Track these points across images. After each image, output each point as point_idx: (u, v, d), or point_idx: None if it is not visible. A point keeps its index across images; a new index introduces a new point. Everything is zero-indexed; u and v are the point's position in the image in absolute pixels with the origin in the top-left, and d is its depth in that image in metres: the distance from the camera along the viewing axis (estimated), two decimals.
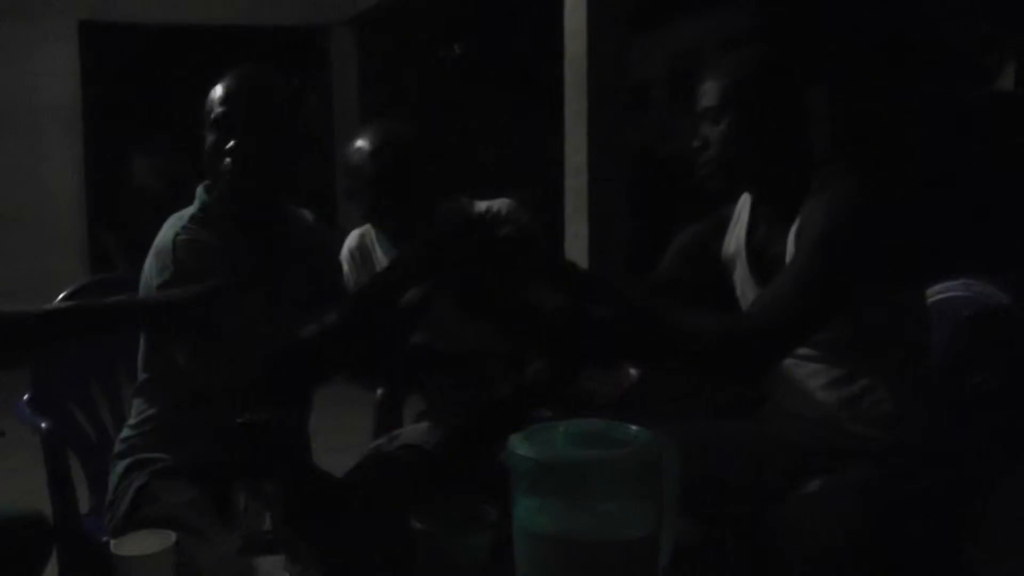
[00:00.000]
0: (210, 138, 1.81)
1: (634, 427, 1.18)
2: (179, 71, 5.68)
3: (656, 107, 6.79)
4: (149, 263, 1.82)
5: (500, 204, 2.19)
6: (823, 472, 1.69)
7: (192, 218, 1.87)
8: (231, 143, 1.78)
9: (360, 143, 2.06)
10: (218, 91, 1.82)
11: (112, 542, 1.20)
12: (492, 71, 4.18)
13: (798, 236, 1.66)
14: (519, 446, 1.12)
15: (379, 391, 2.30)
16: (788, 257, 1.68)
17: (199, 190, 1.92)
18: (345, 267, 2.21)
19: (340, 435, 2.55)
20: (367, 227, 2.25)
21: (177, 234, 1.83)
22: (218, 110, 1.79)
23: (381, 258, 2.20)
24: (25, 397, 2.11)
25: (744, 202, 1.89)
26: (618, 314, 1.56)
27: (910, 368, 1.73)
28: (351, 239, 2.26)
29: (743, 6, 5.60)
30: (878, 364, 1.71)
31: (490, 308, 1.54)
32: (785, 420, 1.83)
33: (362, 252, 2.23)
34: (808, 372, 1.78)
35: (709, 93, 1.74)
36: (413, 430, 2.16)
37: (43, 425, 1.98)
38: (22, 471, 2.96)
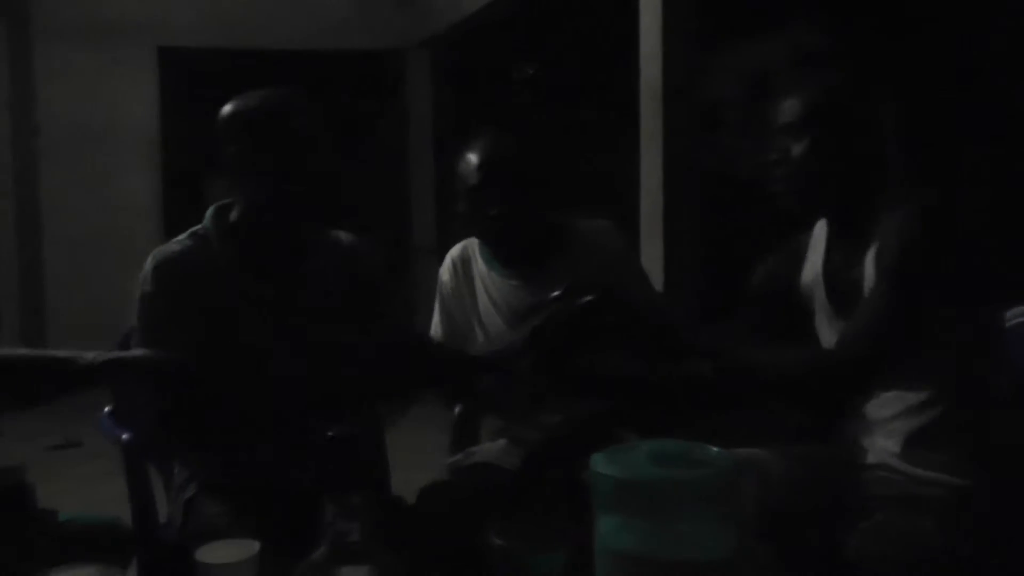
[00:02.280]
0: (233, 162, 1.84)
1: (715, 448, 1.18)
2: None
3: (727, 128, 6.73)
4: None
5: (599, 225, 2.19)
6: (898, 501, 1.65)
7: (192, 235, 1.91)
8: (257, 169, 1.81)
9: (471, 152, 2.10)
10: (235, 116, 1.83)
11: (196, 550, 1.22)
12: (566, 92, 4.19)
13: (877, 262, 1.63)
14: (602, 465, 1.13)
15: (456, 408, 2.32)
16: (867, 282, 1.65)
17: (209, 211, 1.95)
18: (446, 277, 2.23)
19: (416, 453, 2.56)
20: (469, 240, 2.27)
21: (162, 261, 1.87)
22: (236, 145, 1.82)
23: (482, 270, 2.21)
24: (106, 409, 2.16)
25: (821, 229, 1.87)
26: (715, 369, 1.57)
27: (987, 391, 1.69)
28: (454, 251, 2.29)
29: (814, 25, 5.53)
30: (954, 388, 1.68)
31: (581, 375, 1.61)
32: (860, 445, 1.79)
33: (464, 264, 2.25)
34: (883, 399, 1.74)
35: (791, 109, 1.72)
36: (490, 448, 2.16)
37: (124, 436, 2.02)
38: (96, 481, 3.04)
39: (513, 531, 1.21)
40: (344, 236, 2.08)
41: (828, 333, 1.79)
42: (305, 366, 1.86)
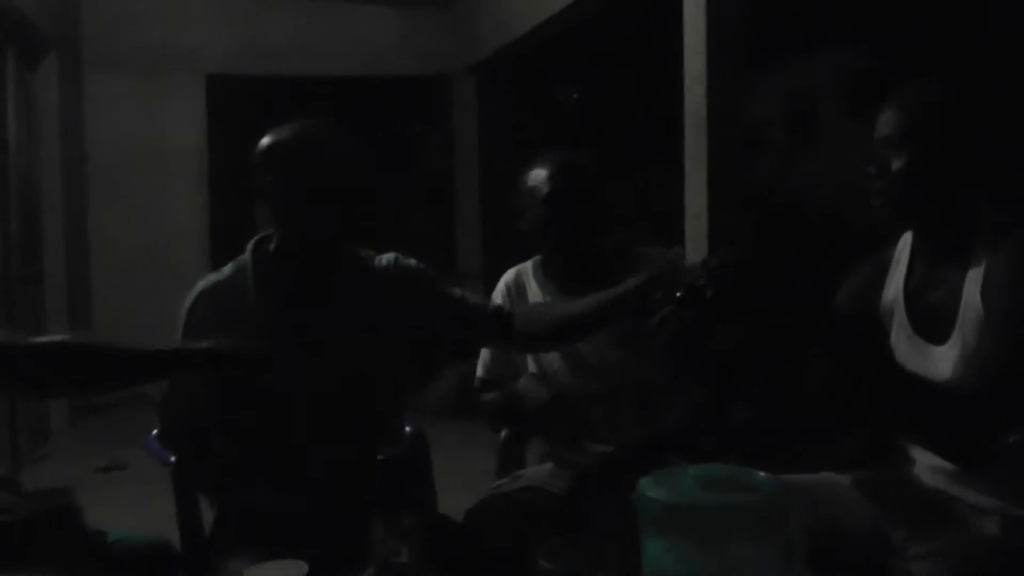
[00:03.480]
0: (267, 193, 1.86)
1: (762, 473, 1.17)
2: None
3: (772, 147, 6.70)
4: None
5: (658, 252, 2.18)
6: (952, 528, 1.61)
7: (233, 265, 1.93)
8: (289, 202, 1.83)
9: (541, 167, 2.12)
10: (267, 148, 1.85)
11: (245, 570, 1.23)
12: (611, 115, 4.19)
13: (986, 290, 1.57)
14: (649, 488, 1.12)
15: (503, 432, 2.31)
16: (967, 308, 1.59)
17: (250, 243, 1.96)
18: (499, 301, 2.21)
19: (461, 476, 2.56)
20: (523, 265, 2.29)
21: (200, 294, 1.89)
22: (269, 176, 1.84)
23: (536, 294, 2.21)
24: (154, 432, 2.18)
25: (904, 245, 1.81)
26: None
27: None
28: (508, 276, 2.30)
29: (860, 44, 5.49)
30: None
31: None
32: (914, 471, 1.75)
33: (518, 287, 2.25)
34: None
35: (890, 122, 1.67)
36: (536, 471, 2.15)
37: (171, 459, 2.03)
38: (142, 503, 3.06)
39: (561, 555, 1.20)
40: (383, 259, 2.08)
41: (907, 351, 1.73)
42: (341, 396, 1.88)
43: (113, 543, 1.79)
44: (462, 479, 2.45)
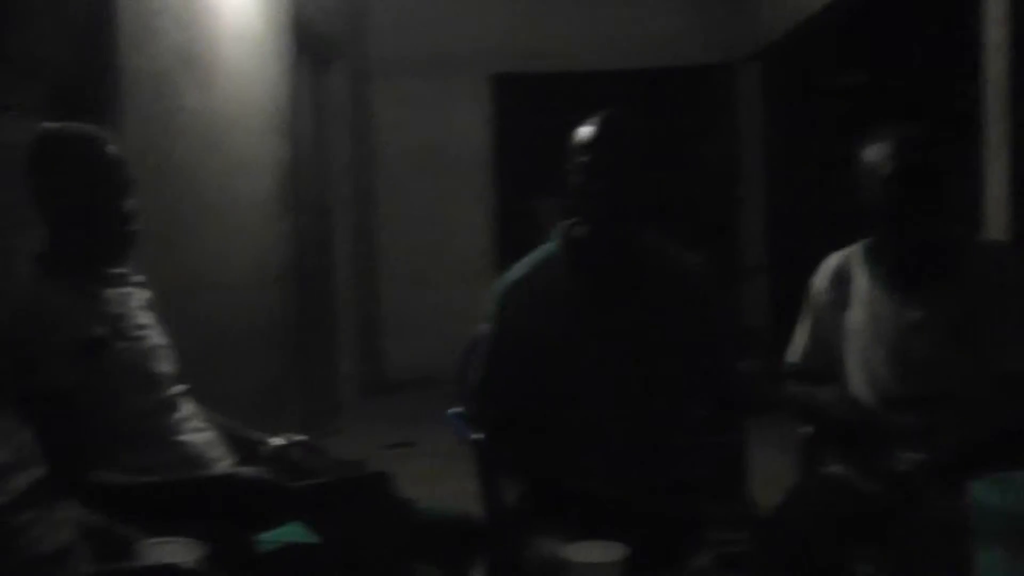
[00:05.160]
0: (576, 180, 1.90)
1: None
2: (586, 115, 5.88)
3: None
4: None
5: (1001, 247, 2.05)
6: None
7: (536, 255, 1.97)
8: (597, 186, 1.86)
9: (876, 146, 2.01)
10: (582, 136, 1.90)
11: (564, 547, 1.28)
12: (899, 98, 3.94)
13: None
14: (986, 494, 1.06)
15: (804, 428, 2.25)
16: None
17: (555, 232, 2.01)
18: (822, 287, 2.14)
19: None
20: (851, 248, 2.17)
21: (514, 283, 1.95)
22: (582, 156, 1.88)
23: (863, 283, 2.10)
24: (454, 410, 2.30)
25: None
26: None
27: None
28: (832, 260, 2.18)
29: None
30: None
31: None
32: None
33: (840, 276, 2.14)
34: None
35: None
36: (841, 471, 2.06)
37: (473, 437, 2.11)
38: (430, 479, 3.21)
39: (881, 561, 1.16)
40: (680, 252, 2.10)
41: None
42: (653, 381, 1.91)
43: (421, 512, 1.92)
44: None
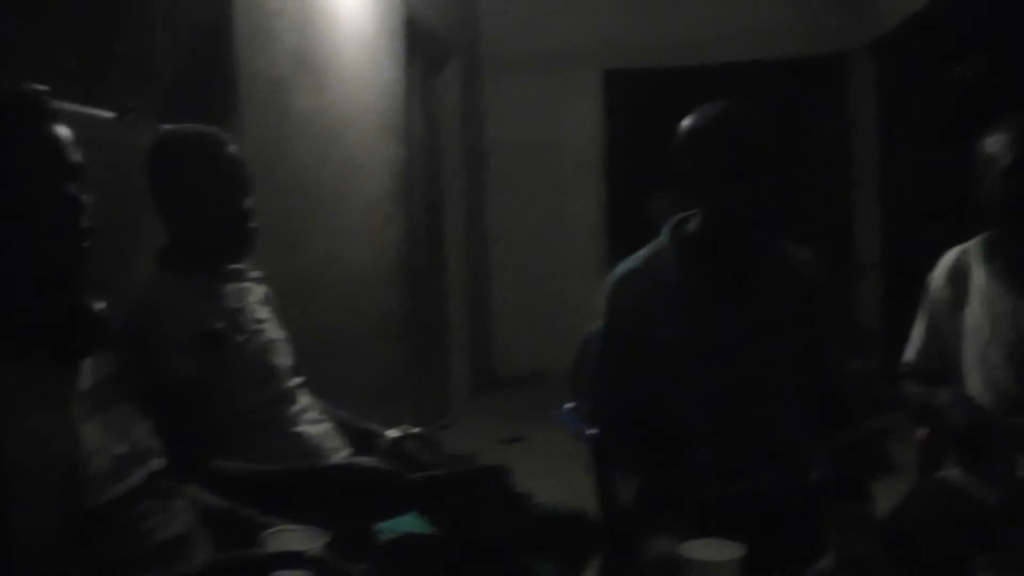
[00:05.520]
0: (691, 176, 1.86)
1: None
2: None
3: None
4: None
5: None
6: None
7: (649, 249, 1.93)
8: (718, 182, 1.81)
9: (997, 135, 1.94)
10: (695, 130, 1.85)
11: (681, 545, 1.25)
12: (1018, 87, 3.73)
13: None
14: None
15: (922, 431, 2.18)
16: None
17: (665, 228, 1.96)
18: (939, 284, 2.08)
19: None
20: (969, 243, 2.09)
21: (624, 278, 1.91)
22: (695, 158, 1.84)
23: (981, 280, 2.02)
24: (568, 405, 2.29)
25: None
26: None
27: None
28: (949, 256, 2.11)
29: None
30: None
31: None
32: None
33: (957, 273, 2.07)
34: None
35: None
36: (958, 475, 1.99)
37: (589, 432, 2.12)
38: (538, 474, 3.22)
39: (1000, 568, 1.09)
40: (793, 249, 2.04)
41: None
42: (771, 379, 1.86)
43: (538, 506, 1.91)
44: None
